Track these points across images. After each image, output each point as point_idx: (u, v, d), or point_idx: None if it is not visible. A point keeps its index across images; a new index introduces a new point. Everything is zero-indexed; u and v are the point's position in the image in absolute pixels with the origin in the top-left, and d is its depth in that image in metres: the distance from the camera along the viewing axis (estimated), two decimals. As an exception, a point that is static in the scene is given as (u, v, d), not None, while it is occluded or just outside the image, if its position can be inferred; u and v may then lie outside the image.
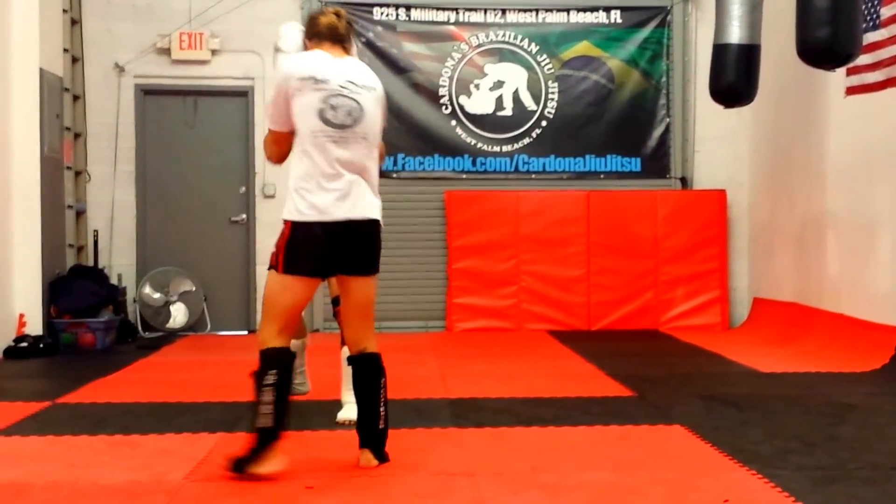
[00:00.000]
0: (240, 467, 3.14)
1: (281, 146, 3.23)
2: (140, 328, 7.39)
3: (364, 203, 3.16)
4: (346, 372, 3.94)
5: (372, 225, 3.20)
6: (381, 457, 3.33)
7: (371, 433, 3.30)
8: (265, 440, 3.11)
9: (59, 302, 6.62)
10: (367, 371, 3.29)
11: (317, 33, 3.26)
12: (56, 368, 5.90)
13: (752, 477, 3.20)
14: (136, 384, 5.22)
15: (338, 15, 3.30)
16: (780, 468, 3.29)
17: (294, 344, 4.04)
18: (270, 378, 3.09)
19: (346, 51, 3.28)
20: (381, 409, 3.29)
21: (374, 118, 3.22)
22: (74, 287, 6.69)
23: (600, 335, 7.37)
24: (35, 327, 6.44)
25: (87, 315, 6.64)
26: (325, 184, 3.10)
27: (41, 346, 6.29)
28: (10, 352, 6.18)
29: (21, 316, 6.40)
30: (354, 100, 3.14)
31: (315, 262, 3.12)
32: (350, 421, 3.84)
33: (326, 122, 3.10)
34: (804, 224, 6.94)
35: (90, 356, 6.36)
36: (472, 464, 3.38)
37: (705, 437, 3.76)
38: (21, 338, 6.30)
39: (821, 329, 6.43)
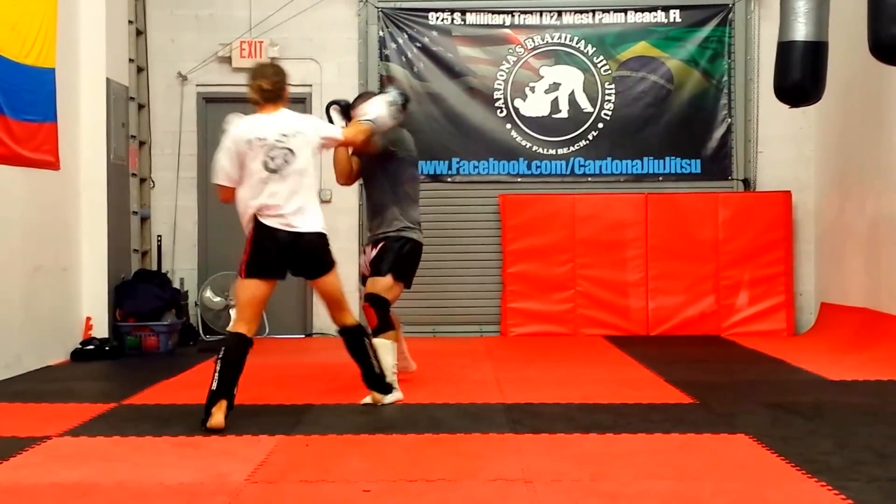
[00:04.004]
0: (201, 423, 3.98)
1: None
2: (201, 331, 7.55)
3: (302, 221, 4.18)
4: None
5: (314, 236, 4.21)
6: (385, 390, 4.46)
7: (371, 378, 4.44)
8: (211, 399, 4.04)
9: (124, 306, 6.80)
10: (353, 338, 4.38)
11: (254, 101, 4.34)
12: (121, 370, 6.07)
13: (821, 489, 3.10)
14: (198, 386, 5.30)
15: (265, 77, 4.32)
16: (852, 480, 3.17)
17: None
18: (220, 353, 4.15)
19: (278, 106, 4.31)
20: (372, 360, 4.41)
21: (302, 156, 4.22)
22: (139, 291, 6.87)
23: (659, 341, 7.23)
24: (101, 330, 6.63)
25: (151, 319, 6.81)
26: (269, 211, 4.17)
27: (107, 348, 6.48)
28: (77, 354, 6.38)
29: (88, 319, 6.60)
30: (287, 148, 4.20)
31: (270, 265, 4.23)
32: (376, 401, 4.52)
33: (267, 168, 4.19)
34: (875, 225, 6.70)
35: (154, 359, 6.52)
36: (530, 470, 3.34)
37: (771, 446, 3.65)
38: (87, 341, 6.50)
39: (893, 335, 6.18)
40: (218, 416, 3.98)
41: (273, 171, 4.17)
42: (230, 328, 4.30)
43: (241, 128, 4.26)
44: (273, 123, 4.25)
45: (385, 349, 4.60)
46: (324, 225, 4.27)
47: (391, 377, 4.63)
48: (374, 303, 4.69)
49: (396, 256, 4.75)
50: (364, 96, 4.96)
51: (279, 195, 4.16)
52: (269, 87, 4.29)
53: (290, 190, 4.18)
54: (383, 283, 4.72)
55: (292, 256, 4.20)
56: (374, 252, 4.79)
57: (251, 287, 4.18)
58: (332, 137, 4.42)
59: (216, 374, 4.06)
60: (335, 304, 4.36)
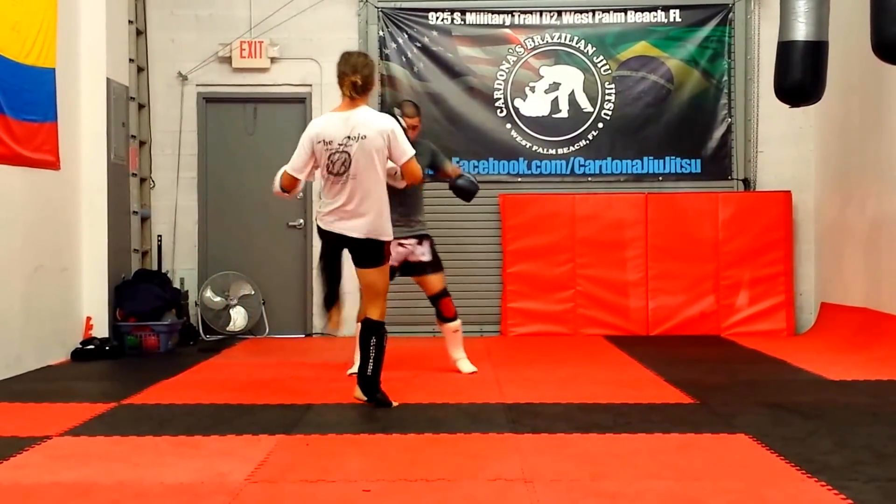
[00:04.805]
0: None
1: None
2: (201, 331, 7.55)
3: (346, 226, 4.40)
4: (456, 338, 5.54)
5: (357, 242, 4.42)
6: (370, 396, 4.50)
7: (362, 376, 4.52)
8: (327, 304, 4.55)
9: (124, 305, 6.80)
10: (364, 331, 4.53)
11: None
12: (121, 370, 6.07)
13: (821, 488, 3.10)
14: (198, 386, 5.33)
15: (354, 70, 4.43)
16: (851, 480, 3.18)
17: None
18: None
19: (356, 102, 4.42)
20: (369, 361, 4.47)
21: (362, 162, 4.35)
22: (139, 291, 6.87)
23: (659, 341, 7.23)
24: (101, 330, 6.63)
25: (152, 318, 6.81)
26: (327, 209, 4.47)
27: (107, 348, 6.48)
28: (78, 354, 6.38)
29: (88, 319, 6.61)
30: (346, 153, 4.35)
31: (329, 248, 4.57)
32: (466, 370, 5.47)
33: (329, 171, 4.42)
34: (875, 225, 6.70)
35: (154, 358, 6.52)
36: (530, 470, 3.35)
37: (771, 446, 3.65)
38: (88, 340, 6.50)
39: (893, 335, 6.18)
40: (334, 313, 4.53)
41: (332, 174, 4.37)
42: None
43: (317, 126, 4.47)
44: (344, 125, 4.36)
45: (460, 328, 5.53)
46: (369, 232, 4.39)
47: (462, 354, 5.52)
48: (449, 295, 5.49)
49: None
50: (405, 105, 5.56)
51: (337, 197, 4.37)
52: (361, 82, 4.38)
53: (347, 194, 4.35)
54: (443, 277, 5.53)
55: (340, 244, 4.49)
56: (425, 248, 5.42)
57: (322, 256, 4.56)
58: (401, 160, 4.42)
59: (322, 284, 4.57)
60: (365, 294, 4.61)
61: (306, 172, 4.49)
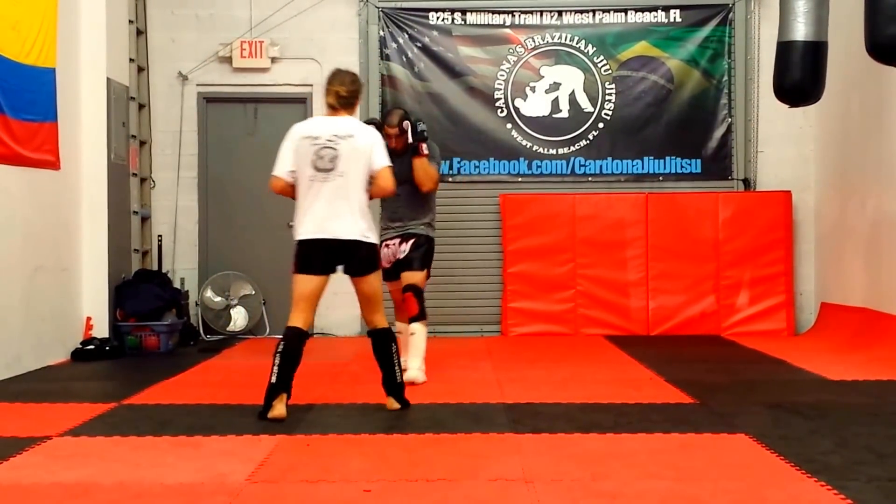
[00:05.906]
0: (260, 415, 4.21)
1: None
2: (202, 331, 7.55)
3: (339, 226, 4.28)
4: (410, 342, 5.22)
5: (349, 242, 4.30)
6: (403, 402, 4.46)
7: (391, 385, 4.47)
8: (271, 392, 4.22)
9: (124, 305, 6.80)
10: (382, 342, 4.44)
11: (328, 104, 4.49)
12: (121, 370, 6.07)
13: (820, 488, 3.10)
14: (198, 386, 5.33)
15: (339, 85, 4.42)
16: (851, 480, 3.18)
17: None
18: (279, 347, 4.26)
19: (338, 112, 4.41)
20: (396, 367, 4.45)
21: (351, 159, 4.29)
22: (139, 291, 6.87)
23: (659, 341, 7.23)
24: (101, 330, 6.63)
25: (152, 318, 6.81)
26: (309, 216, 4.32)
27: (107, 348, 6.48)
28: (78, 354, 6.38)
29: (88, 319, 6.61)
30: (334, 149, 4.29)
31: (316, 264, 4.33)
32: (413, 381, 5.01)
33: (316, 167, 4.30)
34: (875, 225, 6.70)
35: (154, 358, 6.52)
36: (530, 470, 3.35)
37: (771, 446, 3.65)
38: (88, 340, 6.50)
39: (893, 335, 6.18)
40: (280, 408, 4.19)
41: (319, 171, 4.28)
42: (287, 322, 4.35)
43: (303, 125, 4.48)
44: (331, 125, 4.37)
45: (422, 334, 5.22)
46: (364, 232, 4.31)
47: (421, 361, 5.19)
48: (417, 293, 5.24)
49: (427, 252, 5.36)
50: (393, 113, 5.46)
51: (322, 197, 4.27)
52: (345, 94, 4.40)
53: (332, 193, 4.26)
54: (420, 276, 5.30)
55: (333, 256, 4.31)
56: (407, 246, 5.30)
57: (301, 281, 4.33)
58: (377, 165, 4.35)
59: (275, 368, 4.22)
60: (369, 305, 4.45)
61: (292, 171, 4.34)
